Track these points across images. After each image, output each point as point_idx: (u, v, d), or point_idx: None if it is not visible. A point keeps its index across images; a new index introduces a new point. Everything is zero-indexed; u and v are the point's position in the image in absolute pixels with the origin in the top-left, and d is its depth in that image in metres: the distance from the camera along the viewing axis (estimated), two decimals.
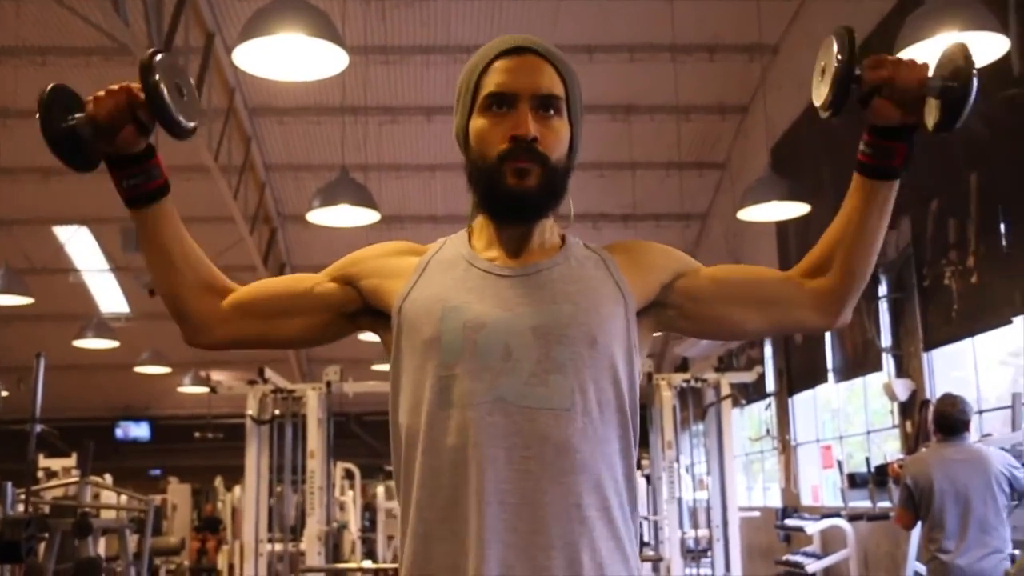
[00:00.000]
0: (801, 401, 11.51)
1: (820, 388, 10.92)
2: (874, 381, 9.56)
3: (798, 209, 7.55)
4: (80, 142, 1.51)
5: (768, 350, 12.07)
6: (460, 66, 1.63)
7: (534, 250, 1.59)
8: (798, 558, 9.58)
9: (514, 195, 1.52)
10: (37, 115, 1.47)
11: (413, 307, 1.54)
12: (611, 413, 1.50)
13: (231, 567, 12.90)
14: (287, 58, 5.13)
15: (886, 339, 8.82)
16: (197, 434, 15.07)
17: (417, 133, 12.84)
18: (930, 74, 1.50)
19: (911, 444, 8.01)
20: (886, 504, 7.45)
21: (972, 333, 7.61)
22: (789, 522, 9.99)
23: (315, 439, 8.06)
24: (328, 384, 8.25)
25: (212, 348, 1.65)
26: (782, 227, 10.92)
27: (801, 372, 11.22)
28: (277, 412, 8.14)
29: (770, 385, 11.79)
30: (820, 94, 1.55)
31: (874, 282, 8.59)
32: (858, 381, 10.04)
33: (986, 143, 7.21)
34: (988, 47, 4.97)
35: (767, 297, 1.64)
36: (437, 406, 1.48)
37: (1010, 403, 7.74)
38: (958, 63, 1.49)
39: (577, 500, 1.45)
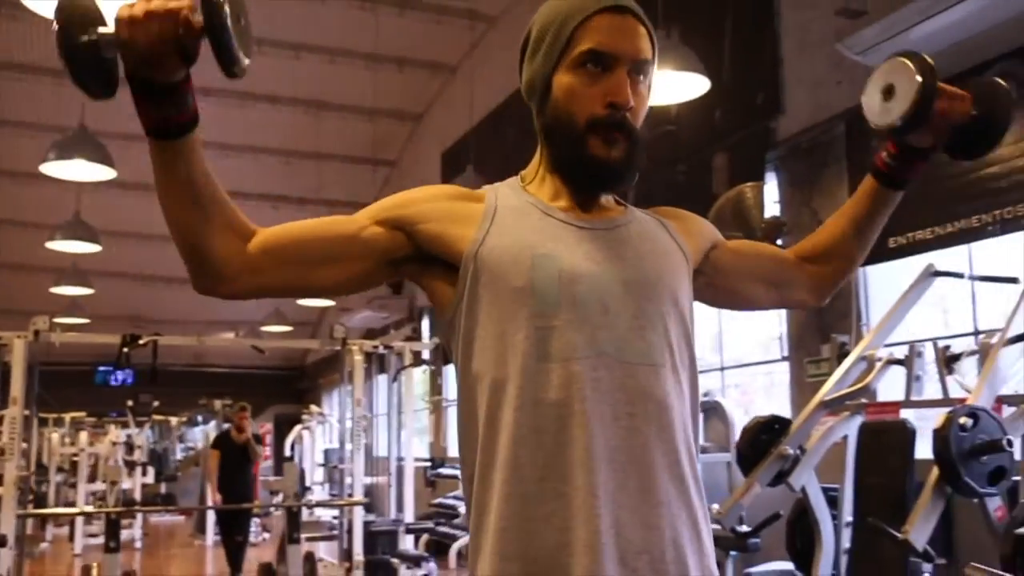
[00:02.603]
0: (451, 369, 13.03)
1: None
2: None
3: None
4: (102, 62, 1.24)
5: (425, 324, 13.76)
6: None
7: (603, 206, 1.54)
8: (451, 500, 11.32)
9: (599, 165, 1.46)
10: (54, 23, 1.19)
11: (495, 254, 1.42)
12: (687, 372, 1.47)
13: None
14: None
15: None
16: None
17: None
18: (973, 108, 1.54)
19: None
20: None
21: None
22: (443, 471, 11.65)
23: (19, 387, 8.05)
24: (36, 333, 8.43)
25: (232, 298, 1.43)
26: None
27: None
28: None
29: (426, 354, 13.37)
30: (891, 113, 1.52)
31: None
32: None
33: (645, 170, 9.11)
34: (691, 87, 5.42)
35: (777, 278, 1.72)
36: (535, 358, 1.37)
37: None
38: (998, 99, 1.55)
39: (676, 457, 1.40)
